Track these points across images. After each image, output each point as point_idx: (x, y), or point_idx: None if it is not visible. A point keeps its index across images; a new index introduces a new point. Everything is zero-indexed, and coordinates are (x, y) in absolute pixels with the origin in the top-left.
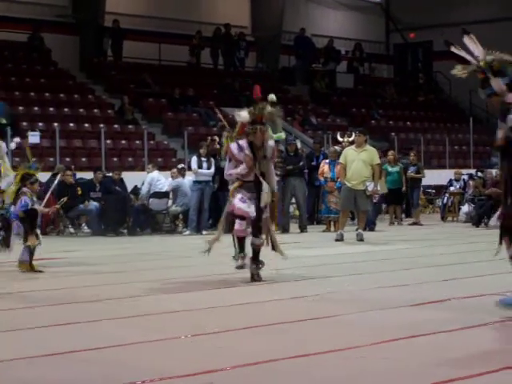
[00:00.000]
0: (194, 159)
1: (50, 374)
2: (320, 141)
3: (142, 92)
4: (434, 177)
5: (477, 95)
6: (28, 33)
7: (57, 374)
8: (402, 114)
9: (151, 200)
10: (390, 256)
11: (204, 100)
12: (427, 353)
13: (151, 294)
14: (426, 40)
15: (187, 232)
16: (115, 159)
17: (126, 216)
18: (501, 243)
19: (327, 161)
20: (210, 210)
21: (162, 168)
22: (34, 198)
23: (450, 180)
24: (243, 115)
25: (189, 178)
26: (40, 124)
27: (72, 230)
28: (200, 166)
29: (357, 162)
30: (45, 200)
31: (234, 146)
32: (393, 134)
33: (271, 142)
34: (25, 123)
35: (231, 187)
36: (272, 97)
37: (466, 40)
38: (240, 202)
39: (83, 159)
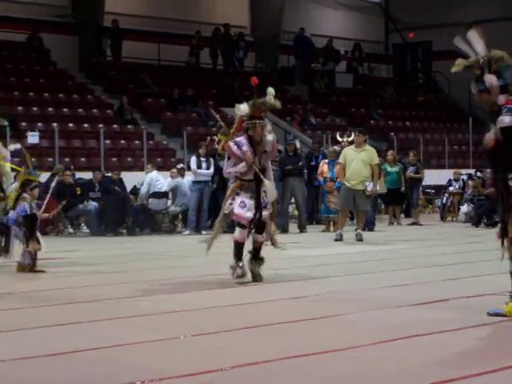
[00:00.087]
0: (193, 159)
1: (52, 374)
2: (319, 141)
3: (141, 92)
4: (433, 177)
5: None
6: (27, 33)
7: (58, 374)
8: (402, 114)
9: (150, 200)
10: (389, 256)
11: (203, 100)
12: (427, 353)
13: (151, 294)
14: (425, 40)
15: (186, 232)
16: (114, 159)
17: (126, 216)
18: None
19: (326, 161)
20: (209, 210)
21: (161, 168)
22: (33, 204)
23: (450, 180)
24: (243, 108)
25: (188, 178)
26: (39, 124)
27: (71, 230)
28: (199, 166)
29: (356, 161)
30: (45, 203)
31: (232, 143)
32: (392, 133)
33: (270, 137)
34: (24, 123)
35: (230, 185)
36: (271, 90)
37: (471, 34)
38: (239, 208)
39: (82, 159)
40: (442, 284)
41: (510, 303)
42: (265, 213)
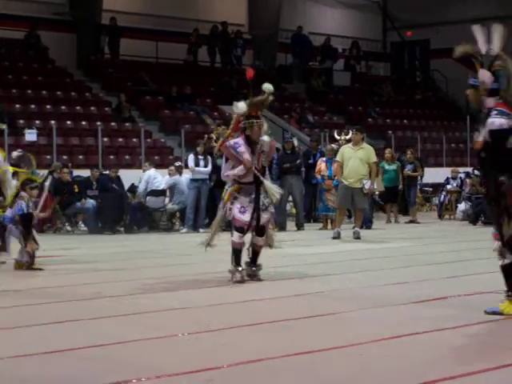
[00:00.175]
0: (191, 157)
1: (50, 372)
2: (317, 139)
3: (139, 90)
4: (430, 175)
5: None
6: (25, 30)
7: (57, 372)
8: (399, 112)
9: (148, 198)
10: (388, 254)
11: (201, 98)
12: (427, 350)
13: (151, 291)
14: (423, 38)
15: (184, 230)
16: (112, 157)
17: (123, 214)
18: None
19: (324, 159)
20: (206, 208)
21: (158, 166)
22: (31, 204)
23: (447, 178)
24: (240, 106)
25: (186, 175)
26: (37, 122)
27: (69, 227)
28: (197, 164)
29: (353, 159)
30: (41, 201)
31: (229, 144)
32: (390, 132)
33: (267, 138)
34: (22, 121)
35: (228, 189)
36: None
37: (496, 28)
38: (239, 213)
39: (80, 157)
40: (439, 282)
41: (507, 302)
42: (265, 216)
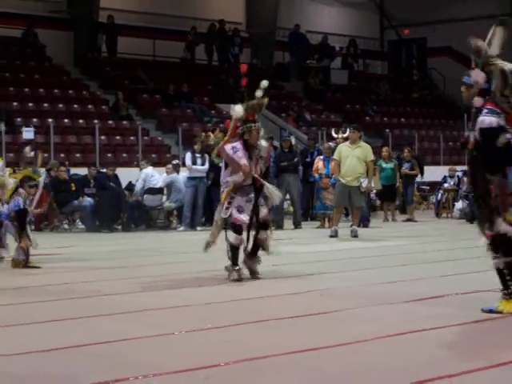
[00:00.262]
0: (188, 155)
1: (49, 370)
2: (314, 137)
3: (137, 88)
4: (428, 173)
5: None
6: (22, 28)
7: (55, 369)
8: (396, 111)
9: (145, 196)
10: (385, 252)
11: (198, 96)
12: (425, 348)
13: (149, 289)
14: (420, 36)
15: (181, 228)
16: (109, 155)
17: (121, 212)
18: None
19: (321, 157)
20: (203, 206)
21: (156, 164)
22: (28, 201)
23: (445, 176)
24: (238, 110)
25: (183, 174)
26: (34, 120)
27: (66, 226)
28: (194, 162)
29: (351, 158)
30: (36, 198)
31: (228, 148)
32: (387, 130)
33: (264, 142)
34: (19, 119)
35: (224, 189)
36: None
37: (496, 30)
38: (237, 213)
39: (77, 155)
40: (437, 280)
41: (503, 300)
42: (264, 210)
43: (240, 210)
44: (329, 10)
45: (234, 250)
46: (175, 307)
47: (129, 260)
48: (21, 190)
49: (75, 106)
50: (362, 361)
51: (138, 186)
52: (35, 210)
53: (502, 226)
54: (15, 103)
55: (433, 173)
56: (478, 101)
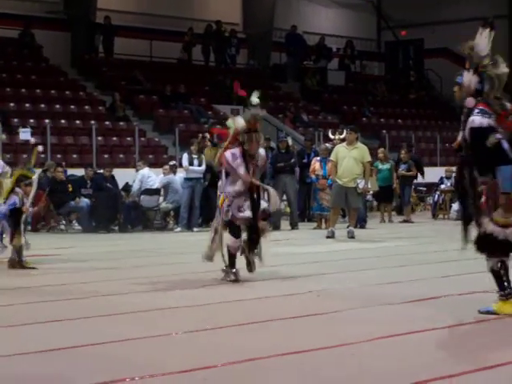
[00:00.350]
0: (185, 156)
1: (47, 370)
2: (311, 138)
3: (134, 89)
4: (425, 174)
5: None
6: (19, 29)
7: (54, 370)
8: (393, 112)
9: (142, 197)
10: (382, 253)
11: (195, 97)
12: (421, 350)
13: (147, 290)
14: (417, 38)
15: (178, 229)
16: (106, 156)
17: (117, 213)
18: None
19: (318, 158)
20: (200, 207)
21: (153, 165)
22: (25, 200)
23: (441, 178)
24: (240, 123)
25: (180, 174)
26: (31, 120)
27: (63, 226)
28: (191, 163)
29: (348, 159)
30: (30, 197)
31: (228, 154)
32: (384, 131)
33: (262, 151)
34: (16, 120)
35: (221, 194)
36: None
37: (482, 32)
38: (239, 213)
39: (74, 156)
40: (433, 281)
41: (500, 302)
42: (264, 204)
43: (242, 211)
44: (326, 10)
45: (232, 254)
46: (172, 308)
47: (126, 261)
48: (18, 190)
49: (72, 106)
50: (360, 362)
51: (135, 187)
52: (28, 208)
53: (490, 227)
54: (12, 104)
55: (430, 174)
56: (470, 101)
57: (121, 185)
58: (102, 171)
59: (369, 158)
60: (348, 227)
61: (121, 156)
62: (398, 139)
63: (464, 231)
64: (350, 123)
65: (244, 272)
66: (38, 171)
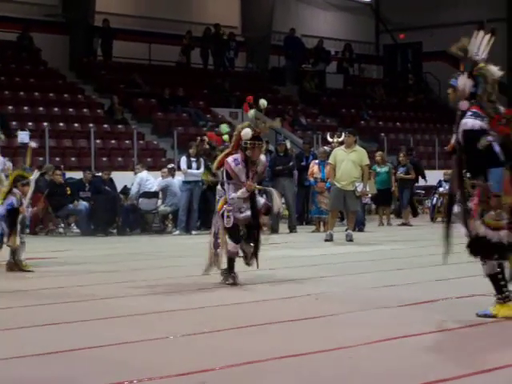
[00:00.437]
0: (184, 159)
1: (45, 373)
2: (309, 141)
3: (132, 92)
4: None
5: None
6: (17, 32)
7: (51, 373)
8: (392, 115)
9: (141, 200)
10: (380, 256)
11: (194, 100)
12: (417, 353)
13: (145, 293)
14: (415, 41)
15: (176, 232)
16: (105, 159)
17: (116, 216)
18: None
19: (317, 161)
20: (199, 211)
21: (151, 168)
22: (23, 200)
23: (440, 181)
24: (247, 133)
25: (178, 178)
26: (29, 124)
27: (61, 229)
28: (189, 166)
29: (346, 162)
30: (27, 198)
31: (230, 160)
32: (382, 134)
33: (263, 158)
34: (14, 123)
35: (220, 199)
36: (263, 102)
37: (479, 35)
38: (240, 214)
39: (73, 159)
40: (431, 284)
41: (497, 305)
42: (262, 201)
43: (242, 211)
44: (324, 14)
45: (231, 259)
46: (170, 311)
47: (124, 264)
48: (15, 190)
49: (70, 109)
50: (357, 365)
51: (133, 190)
52: (25, 209)
53: (481, 229)
54: (10, 107)
55: (428, 177)
56: (463, 104)
57: (119, 188)
58: (100, 174)
59: (367, 161)
60: (346, 230)
61: (119, 159)
62: (397, 142)
63: (446, 234)
64: (348, 126)
65: (242, 275)
66: (36, 172)
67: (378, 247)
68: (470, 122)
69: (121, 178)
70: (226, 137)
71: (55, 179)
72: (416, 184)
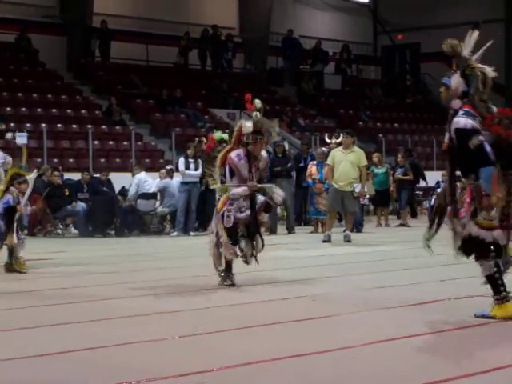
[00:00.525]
0: (182, 160)
1: (42, 375)
2: (308, 142)
3: (130, 93)
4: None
5: None
6: (15, 33)
7: (49, 375)
8: (390, 116)
9: (139, 201)
10: (379, 257)
11: (192, 101)
12: (419, 353)
13: (143, 294)
14: (413, 42)
15: (175, 233)
16: (103, 160)
17: (114, 217)
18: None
19: (315, 162)
20: (197, 211)
21: (149, 169)
22: (20, 198)
23: (438, 182)
24: (248, 126)
25: (176, 179)
26: (27, 125)
27: (59, 231)
28: (187, 167)
29: (344, 163)
30: (26, 195)
31: (233, 155)
32: (380, 135)
33: (264, 153)
34: (12, 124)
35: (220, 198)
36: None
37: (474, 34)
38: (240, 214)
39: (71, 160)
40: (430, 285)
41: (496, 306)
42: (261, 199)
43: (242, 211)
44: (322, 15)
45: (229, 261)
46: (170, 312)
47: (123, 265)
48: (12, 189)
49: (68, 110)
50: (356, 366)
51: (132, 191)
52: (22, 207)
53: (474, 230)
54: (8, 108)
55: (426, 178)
56: (456, 103)
57: (117, 189)
58: (98, 175)
59: (365, 162)
60: (344, 231)
61: (117, 160)
62: (395, 143)
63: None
64: (346, 127)
65: (241, 276)
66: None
67: (376, 248)
68: (462, 121)
69: (119, 179)
70: (225, 136)
71: (53, 180)
72: (417, 185)
